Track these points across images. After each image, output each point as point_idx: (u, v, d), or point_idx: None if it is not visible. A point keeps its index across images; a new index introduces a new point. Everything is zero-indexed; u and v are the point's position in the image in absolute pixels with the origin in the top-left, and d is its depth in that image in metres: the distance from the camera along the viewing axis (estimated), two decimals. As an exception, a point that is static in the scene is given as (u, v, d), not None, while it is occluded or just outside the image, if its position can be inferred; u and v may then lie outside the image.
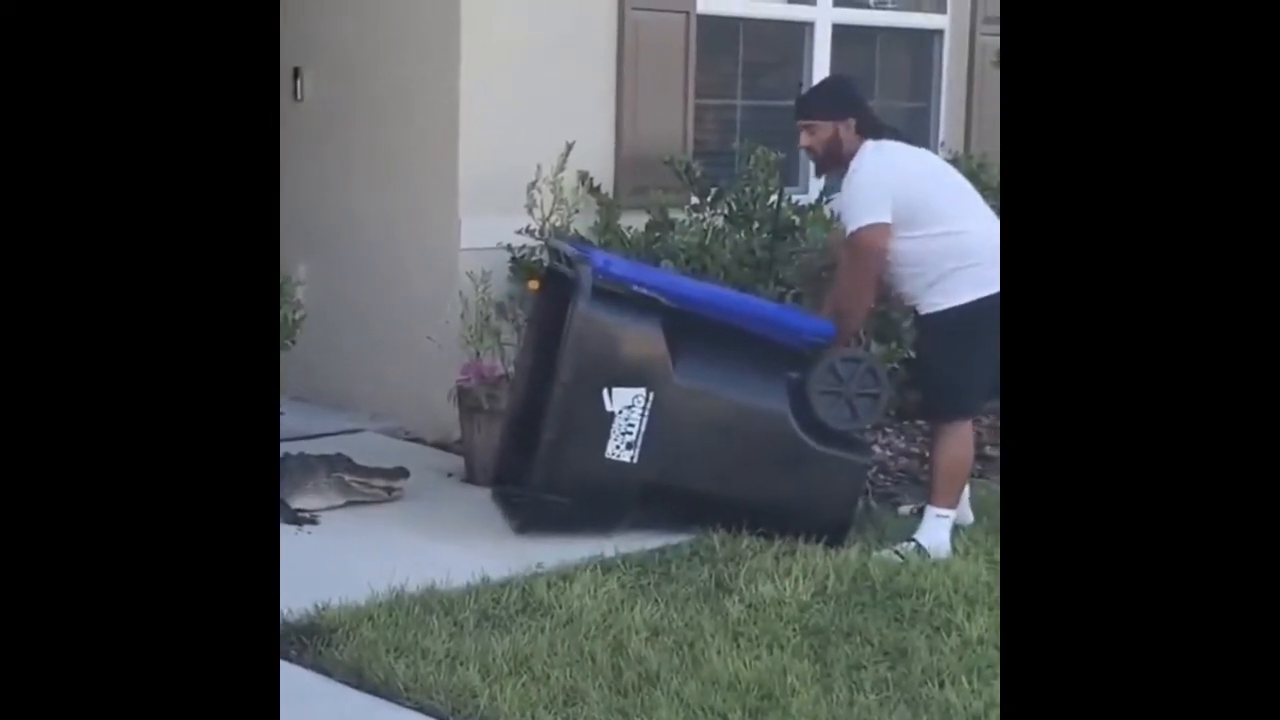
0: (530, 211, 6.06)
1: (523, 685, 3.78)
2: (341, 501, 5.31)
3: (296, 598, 4.21)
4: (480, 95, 6.26)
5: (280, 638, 3.99)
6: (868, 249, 5.06)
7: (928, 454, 5.50)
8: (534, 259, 6.06)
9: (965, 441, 5.17)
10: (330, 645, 3.97)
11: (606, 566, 4.71)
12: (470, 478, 5.74)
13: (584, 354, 4.92)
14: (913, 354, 5.70)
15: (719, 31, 7.13)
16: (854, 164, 5.14)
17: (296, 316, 5.14)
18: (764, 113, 7.41)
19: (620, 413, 4.94)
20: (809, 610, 4.45)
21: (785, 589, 4.57)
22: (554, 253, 5.58)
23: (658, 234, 6.33)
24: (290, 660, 3.92)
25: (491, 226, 6.13)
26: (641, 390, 4.95)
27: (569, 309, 4.96)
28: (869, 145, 5.15)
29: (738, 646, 4.13)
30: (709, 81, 7.10)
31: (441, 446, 6.18)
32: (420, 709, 3.69)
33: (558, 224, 6.07)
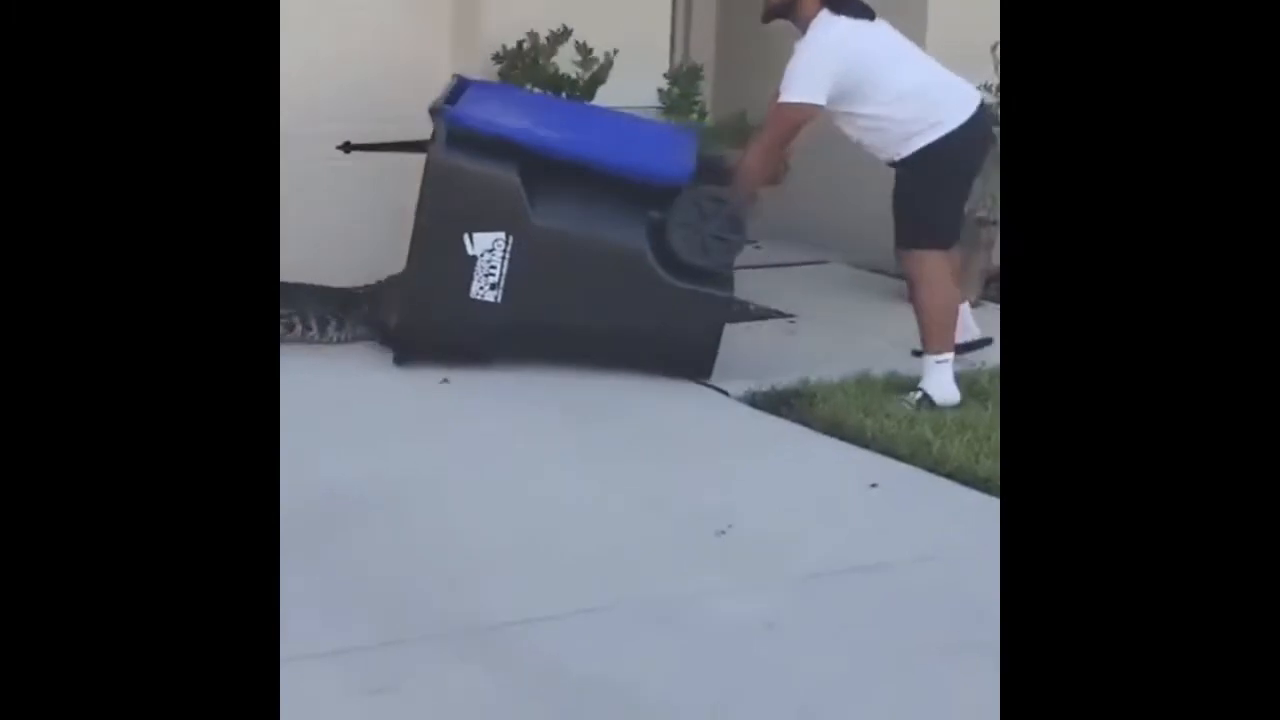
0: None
1: (967, 441, 4.66)
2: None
3: (785, 374, 5.25)
4: None
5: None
6: (787, 122, 5.14)
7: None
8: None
9: (943, 281, 5.20)
10: (813, 406, 4.98)
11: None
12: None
13: (441, 200, 5.10)
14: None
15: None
16: (807, 36, 5.11)
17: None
18: None
19: (482, 256, 5.11)
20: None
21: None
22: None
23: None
24: (779, 415, 4.98)
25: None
26: (501, 234, 5.11)
27: (426, 158, 5.13)
28: (824, 18, 5.10)
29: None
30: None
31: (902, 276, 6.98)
32: (885, 453, 4.65)
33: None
